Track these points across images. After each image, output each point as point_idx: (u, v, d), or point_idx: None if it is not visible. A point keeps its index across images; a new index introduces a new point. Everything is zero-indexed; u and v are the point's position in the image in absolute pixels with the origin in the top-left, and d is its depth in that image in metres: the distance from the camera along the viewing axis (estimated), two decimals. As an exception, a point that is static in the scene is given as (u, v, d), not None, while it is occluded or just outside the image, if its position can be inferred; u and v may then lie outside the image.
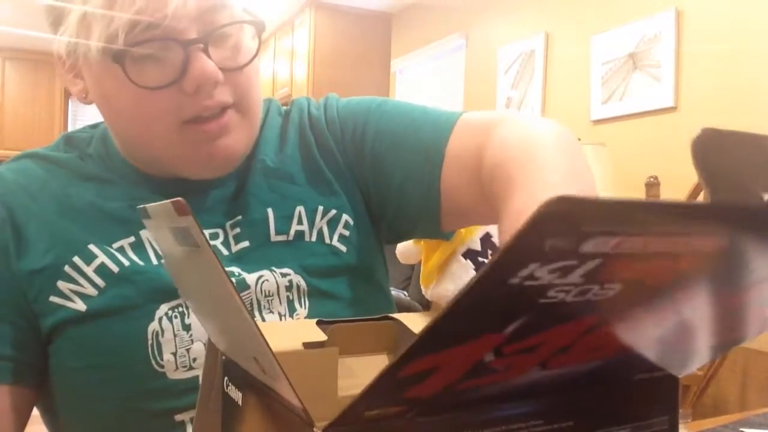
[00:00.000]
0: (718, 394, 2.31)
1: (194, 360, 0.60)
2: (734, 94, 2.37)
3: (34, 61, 6.02)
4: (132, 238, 0.63)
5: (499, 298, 0.21)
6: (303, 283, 0.66)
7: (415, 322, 0.43)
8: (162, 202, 0.31)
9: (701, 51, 2.50)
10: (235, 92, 0.62)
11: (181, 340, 0.60)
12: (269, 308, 0.64)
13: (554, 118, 2.92)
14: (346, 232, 0.69)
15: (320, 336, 0.39)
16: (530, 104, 3.38)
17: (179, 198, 0.29)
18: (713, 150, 0.23)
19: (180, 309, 0.61)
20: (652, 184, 2.19)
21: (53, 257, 0.61)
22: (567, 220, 0.18)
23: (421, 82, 4.52)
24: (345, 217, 0.69)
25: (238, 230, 0.67)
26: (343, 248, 0.69)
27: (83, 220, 0.63)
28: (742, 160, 0.24)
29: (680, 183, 2.16)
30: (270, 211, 0.68)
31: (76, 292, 0.60)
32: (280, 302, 0.65)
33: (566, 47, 3.20)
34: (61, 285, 0.60)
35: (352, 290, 0.69)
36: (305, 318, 0.64)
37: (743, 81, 2.35)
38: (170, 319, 0.60)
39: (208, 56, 0.58)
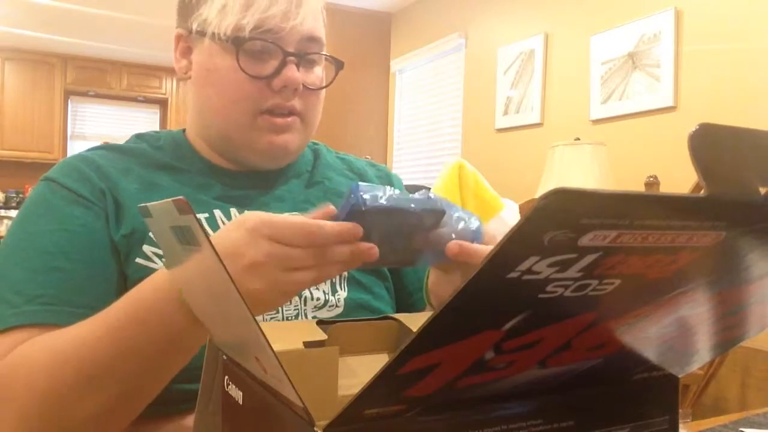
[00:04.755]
0: (718, 393, 2.31)
1: None
2: (734, 94, 2.37)
3: (34, 62, 6.01)
4: (207, 214, 0.74)
5: (498, 294, 0.21)
6: (345, 272, 0.77)
7: (416, 322, 0.43)
8: (163, 201, 0.31)
9: (701, 51, 2.50)
10: (304, 106, 0.78)
11: None
12: (316, 286, 0.74)
13: (554, 117, 2.91)
14: None
15: (321, 335, 0.39)
16: (530, 104, 3.38)
17: (181, 197, 0.29)
18: (710, 145, 0.23)
19: None
20: (652, 184, 2.19)
21: (141, 224, 0.70)
22: (566, 213, 0.18)
23: (421, 82, 4.51)
24: None
25: None
26: None
27: (164, 195, 0.72)
28: (739, 155, 0.24)
29: (680, 183, 2.16)
30: None
31: (157, 254, 0.70)
32: (325, 282, 0.75)
33: (566, 47, 3.20)
34: (146, 248, 0.70)
35: (380, 288, 0.82)
36: (344, 299, 0.76)
37: (743, 81, 2.34)
38: None
39: (297, 69, 0.75)
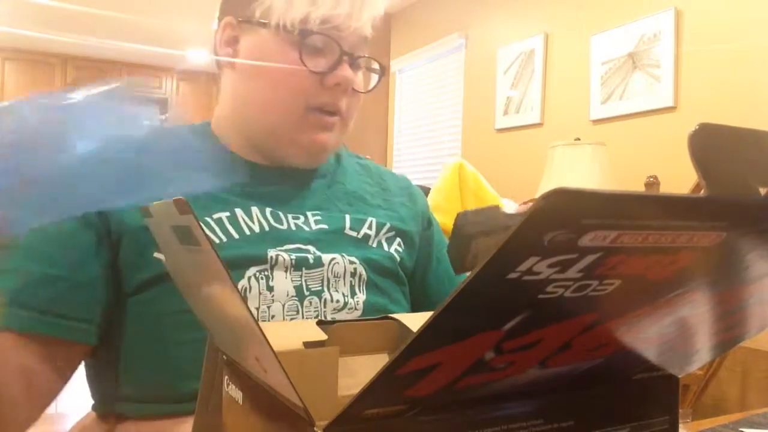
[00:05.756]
0: (718, 394, 2.31)
1: (272, 317, 0.71)
2: (734, 94, 2.37)
3: (34, 62, 6.00)
4: (228, 213, 0.73)
5: (498, 294, 0.21)
6: (364, 274, 0.78)
7: (416, 322, 0.43)
8: (163, 201, 0.31)
9: (701, 51, 2.50)
10: (348, 107, 0.79)
11: (264, 298, 0.71)
12: (335, 287, 0.75)
13: (554, 117, 2.91)
14: (399, 249, 0.84)
15: (320, 335, 0.38)
16: (530, 104, 3.38)
17: (181, 197, 0.29)
18: (710, 145, 0.23)
19: (266, 272, 0.71)
20: (652, 184, 2.19)
21: None
22: (566, 213, 0.18)
23: (421, 82, 4.51)
24: (399, 240, 0.85)
25: (318, 217, 0.79)
26: (397, 258, 0.83)
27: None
28: (739, 155, 0.24)
29: (680, 183, 2.16)
30: (347, 215, 0.81)
31: None
32: (344, 284, 0.76)
33: (566, 47, 3.20)
34: None
35: (397, 293, 0.82)
36: (363, 302, 0.76)
37: (743, 81, 2.34)
38: (257, 279, 0.71)
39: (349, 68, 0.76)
